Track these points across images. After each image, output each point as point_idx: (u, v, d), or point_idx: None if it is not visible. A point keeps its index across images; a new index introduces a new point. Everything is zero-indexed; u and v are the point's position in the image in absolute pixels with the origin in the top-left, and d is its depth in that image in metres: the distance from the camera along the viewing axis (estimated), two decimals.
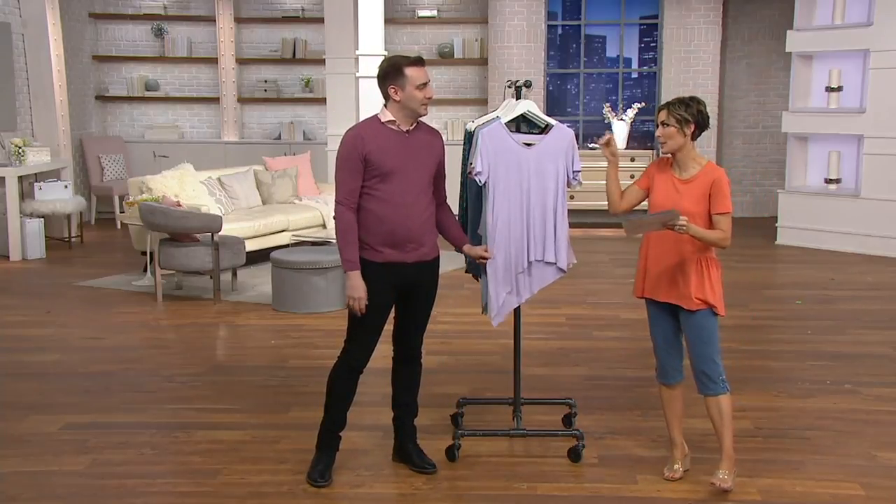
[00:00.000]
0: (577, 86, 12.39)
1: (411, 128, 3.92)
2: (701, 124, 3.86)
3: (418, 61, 3.85)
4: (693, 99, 3.89)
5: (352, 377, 4.04)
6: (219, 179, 9.05)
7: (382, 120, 3.90)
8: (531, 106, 4.28)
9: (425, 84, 3.84)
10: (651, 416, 4.74)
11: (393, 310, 4.07)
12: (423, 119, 3.97)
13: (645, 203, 4.08)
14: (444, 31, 12.25)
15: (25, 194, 9.52)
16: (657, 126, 3.90)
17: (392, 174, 3.82)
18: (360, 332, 3.98)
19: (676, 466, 4.10)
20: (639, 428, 4.67)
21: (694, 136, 3.87)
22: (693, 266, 3.84)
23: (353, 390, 4.07)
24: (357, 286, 3.85)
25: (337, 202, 3.88)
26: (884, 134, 9.52)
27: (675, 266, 3.87)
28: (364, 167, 3.82)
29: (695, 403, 5.06)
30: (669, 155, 3.95)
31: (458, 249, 4.20)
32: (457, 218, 4.26)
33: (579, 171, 4.26)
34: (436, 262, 4.04)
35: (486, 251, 4.09)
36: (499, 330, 4.91)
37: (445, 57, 12.10)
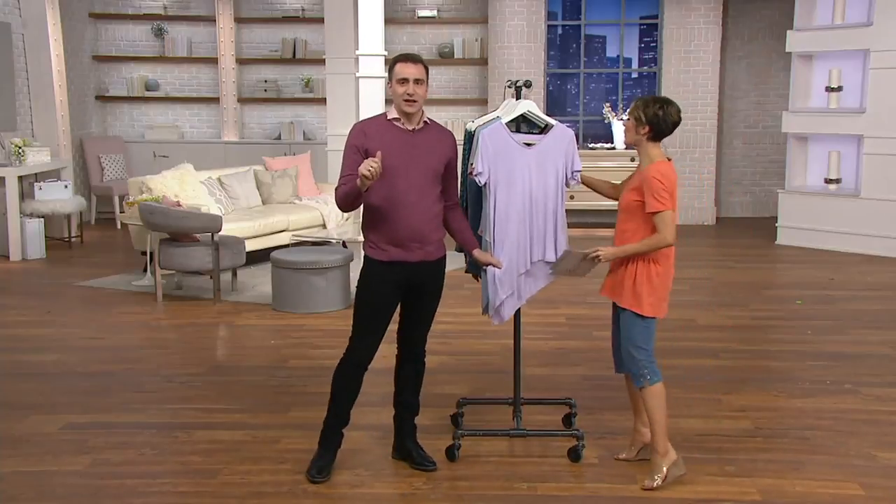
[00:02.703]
0: (577, 86, 12.39)
1: (418, 127, 3.91)
2: (657, 128, 3.90)
3: (409, 58, 3.88)
4: (658, 101, 3.91)
5: (356, 374, 4.04)
6: (219, 179, 9.05)
7: (389, 117, 3.93)
8: (531, 106, 4.28)
9: (405, 79, 3.82)
10: None
11: (398, 308, 4.07)
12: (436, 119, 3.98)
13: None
14: (444, 31, 12.25)
15: (25, 194, 9.52)
16: None
17: (393, 172, 3.80)
18: (365, 329, 3.98)
19: (627, 450, 4.24)
20: None
21: (650, 137, 3.93)
22: (627, 267, 3.98)
23: (357, 388, 4.07)
24: (363, 162, 3.69)
25: (337, 186, 3.90)
26: (884, 134, 9.52)
27: (617, 265, 4.04)
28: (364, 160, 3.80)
29: (691, 403, 5.07)
30: None
31: (467, 253, 4.18)
32: None
33: (579, 171, 4.26)
34: (441, 261, 4.04)
35: (495, 260, 4.08)
36: (499, 330, 4.92)
37: (445, 57, 12.10)
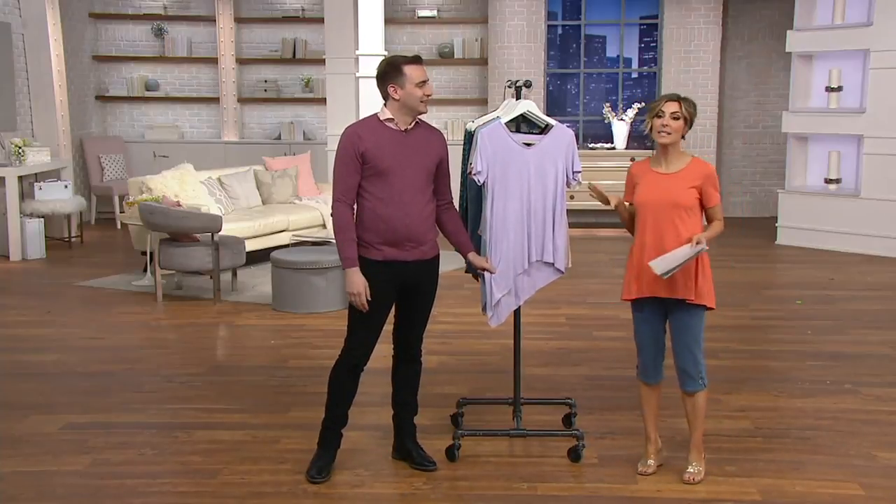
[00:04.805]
0: (577, 86, 12.39)
1: (410, 126, 3.94)
2: (690, 126, 3.99)
3: (416, 60, 3.90)
4: (686, 99, 3.97)
5: (352, 375, 4.05)
6: (219, 179, 9.05)
7: (381, 118, 3.94)
8: (531, 106, 4.28)
9: (424, 82, 3.87)
10: None
11: (393, 308, 4.08)
12: (424, 118, 4.00)
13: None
14: (444, 31, 12.25)
15: (25, 194, 9.52)
16: (657, 115, 3.89)
17: (388, 172, 3.83)
18: (360, 330, 3.99)
19: (650, 462, 4.15)
20: (639, 428, 4.64)
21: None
22: (694, 261, 3.86)
23: (354, 388, 4.08)
24: (356, 282, 3.85)
25: (334, 199, 3.89)
26: (884, 134, 9.51)
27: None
28: (361, 164, 3.85)
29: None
30: (656, 151, 4.00)
31: (463, 255, 4.19)
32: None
33: (579, 172, 4.26)
34: (435, 260, 4.05)
35: (490, 265, 4.10)
36: (499, 330, 4.91)
37: (445, 57, 12.09)
